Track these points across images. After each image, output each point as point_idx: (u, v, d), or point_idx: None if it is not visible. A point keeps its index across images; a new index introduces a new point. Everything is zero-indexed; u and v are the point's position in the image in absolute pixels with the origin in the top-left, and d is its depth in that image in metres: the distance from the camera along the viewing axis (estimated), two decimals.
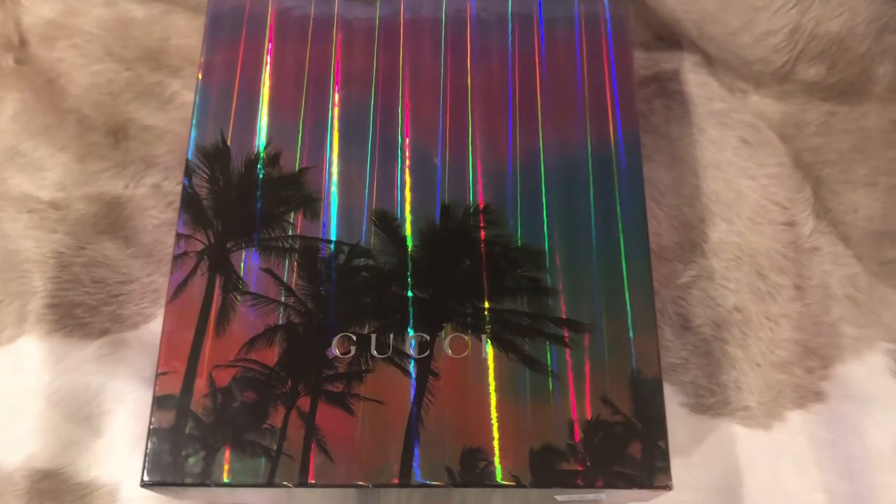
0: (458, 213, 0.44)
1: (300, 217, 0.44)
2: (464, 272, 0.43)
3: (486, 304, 0.42)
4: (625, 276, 0.43)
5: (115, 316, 0.52)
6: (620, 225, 0.43)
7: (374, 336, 0.41)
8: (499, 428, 0.39)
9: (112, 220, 0.54)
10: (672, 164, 0.56)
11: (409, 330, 0.41)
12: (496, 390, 0.40)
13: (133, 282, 0.52)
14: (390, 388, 0.40)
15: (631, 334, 0.41)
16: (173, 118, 0.57)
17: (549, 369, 0.40)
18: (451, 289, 0.42)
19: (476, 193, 0.44)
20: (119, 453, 0.48)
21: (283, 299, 0.42)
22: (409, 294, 0.42)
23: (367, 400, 0.40)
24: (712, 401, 0.50)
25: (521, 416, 0.40)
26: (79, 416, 0.49)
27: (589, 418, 0.40)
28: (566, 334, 0.41)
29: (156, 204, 0.54)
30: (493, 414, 0.40)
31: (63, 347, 0.50)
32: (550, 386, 0.40)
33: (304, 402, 0.40)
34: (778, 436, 0.49)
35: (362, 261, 0.43)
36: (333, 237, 0.43)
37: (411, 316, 0.41)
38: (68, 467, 0.48)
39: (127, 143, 0.56)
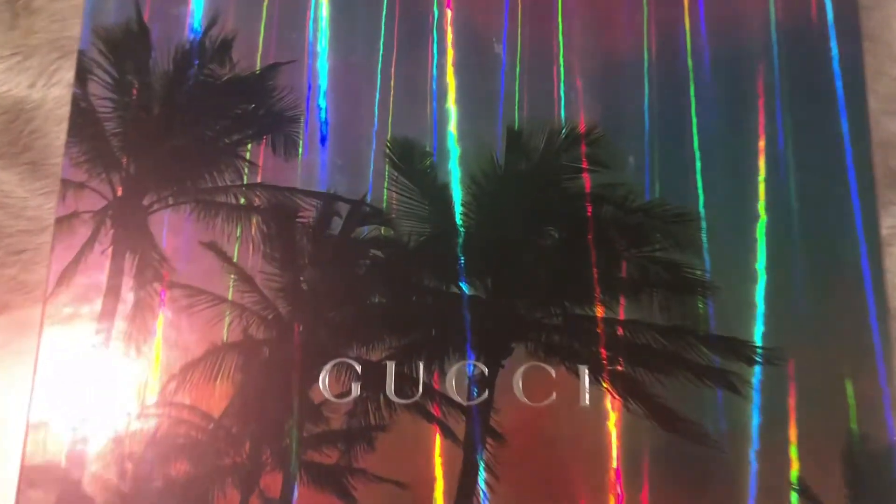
0: (539, 145, 0.33)
1: (263, 151, 0.34)
2: (548, 252, 0.32)
3: (595, 311, 0.31)
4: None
5: (15, 284, 0.42)
6: (836, 164, 0.32)
7: (391, 365, 0.31)
8: None
9: (11, 137, 0.44)
10: (865, 46, 0.42)
11: (457, 355, 0.31)
12: (605, 464, 0.30)
13: (43, 231, 0.43)
14: (418, 459, 0.30)
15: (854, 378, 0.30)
16: None
17: (705, 432, 0.30)
18: (527, 282, 0.32)
19: (571, 108, 0.33)
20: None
21: (233, 297, 0.32)
22: (463, 290, 0.32)
23: (379, 480, 0.30)
24: None
25: None
26: None
27: None
28: (735, 369, 0.31)
29: None
30: None
31: None
32: (706, 460, 0.30)
33: (272, 482, 0.31)
34: None
35: (370, 230, 0.33)
36: (322, 187, 0.33)
37: (466, 331, 0.31)
38: None
39: (31, 20, 0.46)
